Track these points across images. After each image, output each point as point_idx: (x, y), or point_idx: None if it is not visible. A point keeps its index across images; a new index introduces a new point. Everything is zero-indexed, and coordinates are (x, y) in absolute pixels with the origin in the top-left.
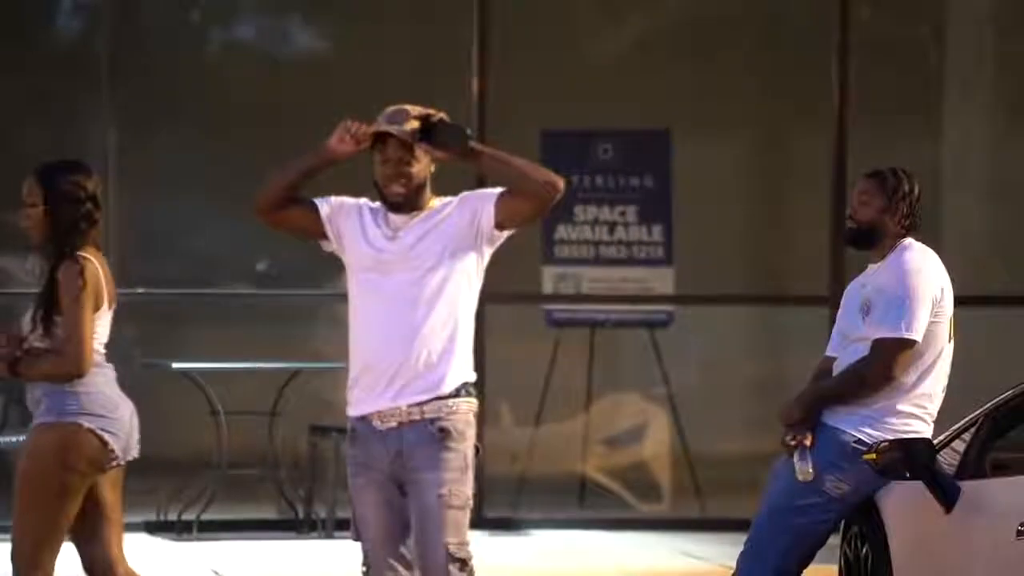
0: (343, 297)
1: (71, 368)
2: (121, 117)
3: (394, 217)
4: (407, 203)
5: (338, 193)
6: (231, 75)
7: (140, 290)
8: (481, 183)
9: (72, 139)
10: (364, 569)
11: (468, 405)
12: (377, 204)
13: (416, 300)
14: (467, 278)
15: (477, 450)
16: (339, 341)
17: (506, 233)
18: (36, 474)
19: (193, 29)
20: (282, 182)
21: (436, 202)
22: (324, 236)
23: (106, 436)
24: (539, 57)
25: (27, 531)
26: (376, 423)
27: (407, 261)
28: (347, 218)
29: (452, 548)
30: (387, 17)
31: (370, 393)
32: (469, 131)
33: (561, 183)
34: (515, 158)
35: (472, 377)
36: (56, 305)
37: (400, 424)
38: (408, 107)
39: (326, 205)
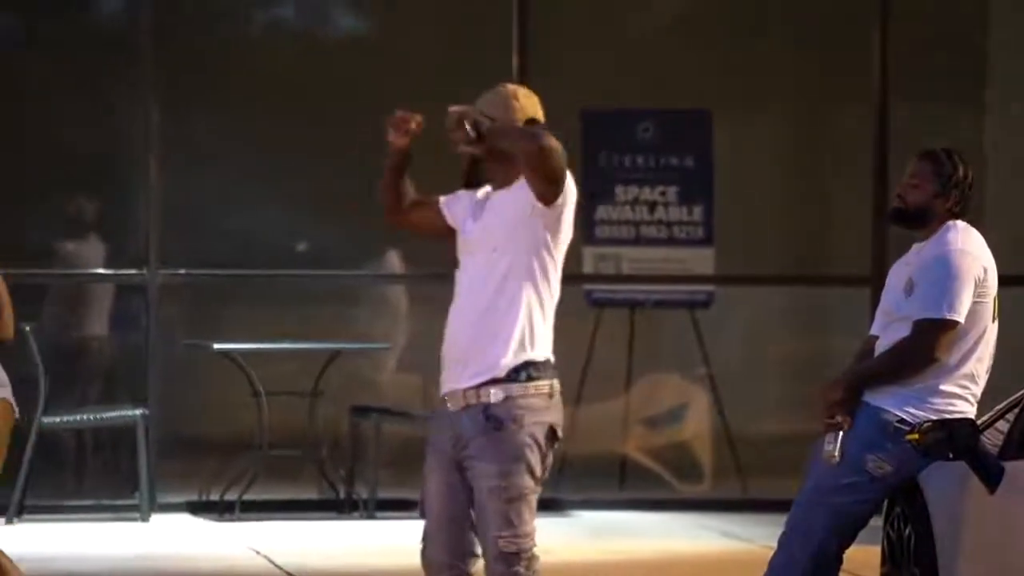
0: (384, 278)
1: (6, 333)
2: (163, 97)
3: (492, 198)
4: (479, 182)
5: None
6: (273, 55)
7: (182, 271)
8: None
9: (114, 119)
10: (422, 545)
11: (528, 389)
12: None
13: (484, 280)
14: (532, 257)
15: (553, 431)
16: (380, 322)
17: (555, 209)
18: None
19: (235, 8)
20: (381, 186)
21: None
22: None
23: (12, 402)
24: (580, 34)
25: None
26: (449, 405)
27: (481, 241)
28: (458, 204)
29: (502, 543)
30: None
31: (446, 374)
32: (468, 119)
33: (544, 139)
34: (509, 127)
35: (540, 358)
36: None
37: (460, 408)
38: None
39: (445, 197)
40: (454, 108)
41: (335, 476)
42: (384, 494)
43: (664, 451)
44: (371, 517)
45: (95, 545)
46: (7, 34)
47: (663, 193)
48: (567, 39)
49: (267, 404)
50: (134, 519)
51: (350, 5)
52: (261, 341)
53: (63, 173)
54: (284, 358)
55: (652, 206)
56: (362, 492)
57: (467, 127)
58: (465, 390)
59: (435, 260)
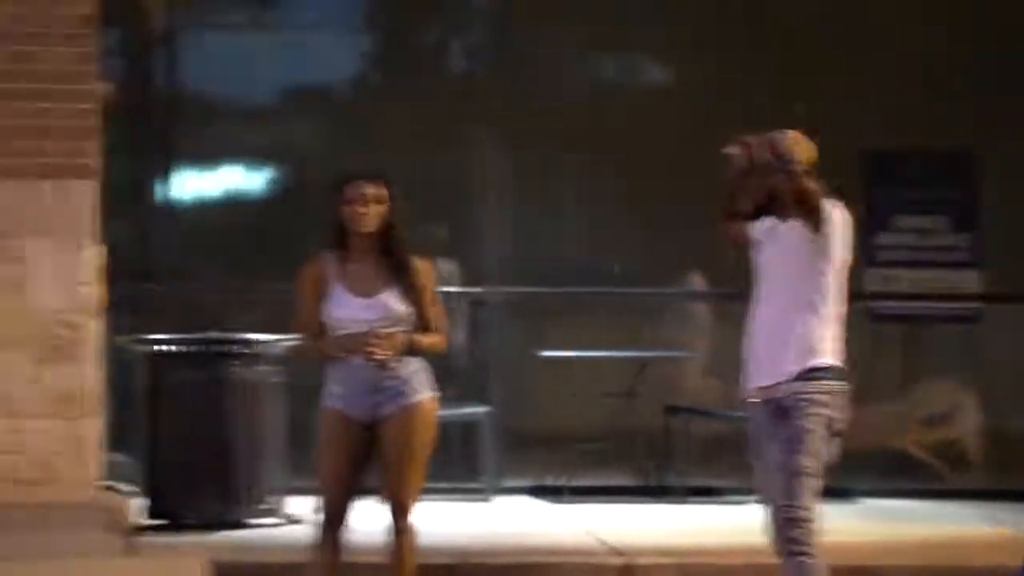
0: (689, 295)
1: (444, 347)
2: (501, 143)
3: (779, 228)
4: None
5: None
6: (590, 104)
7: (519, 289)
8: None
9: (464, 161)
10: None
11: (810, 386)
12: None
13: (774, 299)
14: (808, 279)
15: (830, 423)
16: (686, 333)
17: (823, 238)
18: (430, 440)
19: (557, 68)
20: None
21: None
22: None
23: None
24: (858, 86)
25: (414, 486)
26: (752, 400)
27: (772, 265)
28: (761, 227)
29: (784, 510)
30: (719, 47)
31: (748, 374)
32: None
33: (801, 180)
34: (775, 167)
35: (823, 363)
36: (412, 288)
37: (760, 402)
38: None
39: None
40: (754, 140)
41: (649, 467)
42: (693, 482)
43: (937, 447)
44: (683, 502)
45: (449, 521)
46: (379, 94)
47: (935, 221)
48: (847, 91)
49: (589, 404)
50: (480, 500)
51: (651, 63)
52: (583, 349)
53: (424, 206)
54: (603, 364)
55: (926, 233)
56: (674, 480)
57: (745, 154)
58: (760, 388)
59: (731, 281)
